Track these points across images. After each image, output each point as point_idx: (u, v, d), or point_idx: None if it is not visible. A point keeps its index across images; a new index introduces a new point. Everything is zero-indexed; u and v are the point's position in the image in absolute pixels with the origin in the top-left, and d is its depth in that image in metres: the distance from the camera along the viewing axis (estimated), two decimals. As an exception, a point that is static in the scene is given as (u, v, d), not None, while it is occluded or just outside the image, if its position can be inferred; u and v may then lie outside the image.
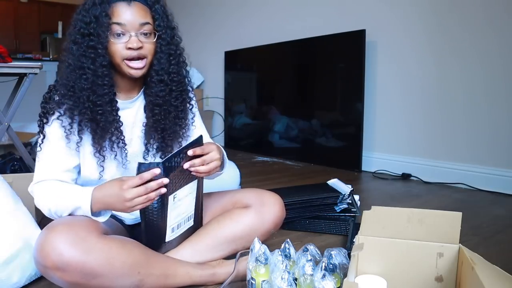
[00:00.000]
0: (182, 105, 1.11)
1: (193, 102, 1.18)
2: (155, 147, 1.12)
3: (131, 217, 1.16)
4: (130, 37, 0.97)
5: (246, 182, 2.09)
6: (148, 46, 1.00)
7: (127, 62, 0.99)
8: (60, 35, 6.58)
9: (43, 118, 1.02)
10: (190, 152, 0.96)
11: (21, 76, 2.27)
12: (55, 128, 1.01)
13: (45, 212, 0.99)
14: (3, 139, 2.54)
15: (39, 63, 2.23)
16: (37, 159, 1.04)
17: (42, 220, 1.62)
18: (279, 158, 3.32)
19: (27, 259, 1.06)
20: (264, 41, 3.50)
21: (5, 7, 6.32)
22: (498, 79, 2.22)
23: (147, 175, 0.88)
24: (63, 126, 1.00)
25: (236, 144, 3.88)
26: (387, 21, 2.68)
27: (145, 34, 1.00)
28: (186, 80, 1.13)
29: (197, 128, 1.21)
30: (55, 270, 0.86)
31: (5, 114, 2.10)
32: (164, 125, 1.09)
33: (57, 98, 1.01)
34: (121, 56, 0.99)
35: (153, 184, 0.89)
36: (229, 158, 2.25)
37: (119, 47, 0.98)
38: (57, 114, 1.00)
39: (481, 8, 2.25)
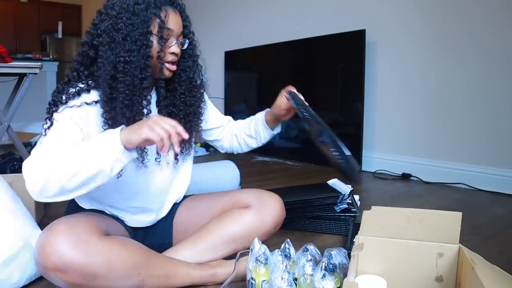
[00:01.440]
0: (200, 100, 1.18)
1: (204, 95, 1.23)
2: None
3: (135, 221, 1.16)
4: (173, 42, 1.02)
5: (246, 182, 2.09)
6: (179, 52, 1.07)
7: (167, 65, 1.03)
8: (60, 35, 6.58)
9: (53, 107, 0.98)
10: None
11: (21, 76, 2.27)
12: (68, 115, 0.97)
13: (44, 176, 0.84)
14: (3, 139, 2.54)
15: (39, 63, 2.23)
16: (38, 142, 0.95)
17: (42, 220, 1.62)
18: (279, 158, 3.32)
19: (27, 259, 1.06)
20: (264, 41, 3.50)
21: (5, 7, 6.32)
22: (497, 79, 2.22)
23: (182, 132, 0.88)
24: (80, 116, 0.97)
25: (236, 144, 3.88)
26: (387, 21, 2.68)
27: (181, 42, 1.06)
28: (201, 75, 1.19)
29: (214, 115, 1.32)
30: (55, 271, 0.86)
31: (5, 114, 2.10)
32: (191, 120, 1.15)
33: (73, 90, 0.98)
34: (163, 59, 1.02)
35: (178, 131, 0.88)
36: (229, 158, 2.26)
37: (163, 51, 1.01)
38: (72, 103, 0.97)
39: (481, 9, 2.25)
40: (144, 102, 1.02)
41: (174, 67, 1.05)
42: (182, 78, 1.11)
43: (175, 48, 1.03)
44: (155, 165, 1.12)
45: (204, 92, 1.24)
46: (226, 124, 1.38)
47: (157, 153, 1.11)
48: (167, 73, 1.05)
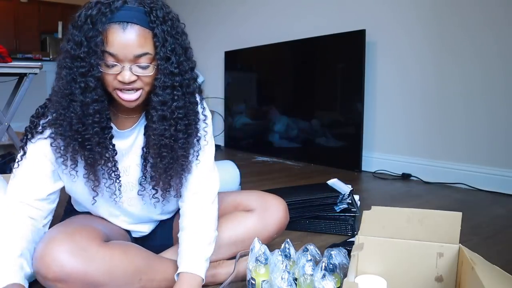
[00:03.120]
0: (187, 142, 0.96)
1: (200, 133, 1.01)
2: (152, 174, 0.99)
3: (139, 233, 1.15)
4: (122, 68, 0.84)
5: (246, 182, 2.09)
6: (145, 78, 0.87)
7: (118, 92, 0.88)
8: (60, 35, 6.57)
9: (28, 134, 0.92)
10: None
11: (21, 76, 2.27)
12: (40, 147, 0.91)
13: None
14: (3, 139, 2.54)
15: (39, 63, 2.23)
16: (12, 175, 0.93)
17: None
18: (279, 158, 3.32)
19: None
20: (264, 41, 3.50)
21: (5, 7, 6.32)
22: (497, 79, 2.22)
23: None
24: (54, 146, 0.91)
25: (236, 144, 3.88)
26: (387, 21, 2.68)
27: (142, 67, 0.86)
28: (198, 108, 0.98)
29: (201, 163, 1.04)
30: (56, 281, 0.84)
31: (5, 114, 2.10)
32: (172, 164, 0.96)
33: (50, 117, 0.90)
34: (112, 86, 0.87)
35: None
36: (229, 158, 2.25)
37: (110, 78, 0.86)
38: (47, 133, 0.91)
39: (480, 9, 2.25)
40: (87, 134, 0.88)
41: (127, 96, 0.87)
42: (152, 115, 0.91)
43: (122, 76, 0.84)
44: (139, 197, 1.05)
45: (203, 136, 1.03)
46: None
47: (140, 184, 1.02)
48: (124, 103, 0.89)
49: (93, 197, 0.98)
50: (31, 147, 0.92)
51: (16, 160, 0.93)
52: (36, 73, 2.15)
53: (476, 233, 1.57)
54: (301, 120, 3.26)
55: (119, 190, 1.00)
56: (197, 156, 1.02)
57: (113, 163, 0.95)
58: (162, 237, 1.19)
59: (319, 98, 3.15)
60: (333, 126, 3.03)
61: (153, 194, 1.02)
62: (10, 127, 2.10)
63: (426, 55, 2.50)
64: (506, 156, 2.20)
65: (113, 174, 0.96)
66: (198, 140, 1.00)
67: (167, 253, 1.11)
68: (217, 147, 3.88)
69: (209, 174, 1.07)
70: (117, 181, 0.98)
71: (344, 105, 2.96)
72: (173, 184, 1.00)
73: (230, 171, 1.91)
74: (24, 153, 0.92)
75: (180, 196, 1.06)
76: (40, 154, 0.92)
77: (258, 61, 3.70)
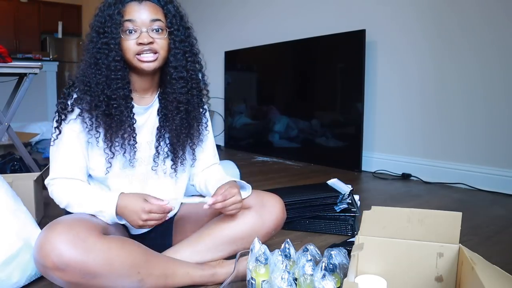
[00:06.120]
0: (199, 106, 1.14)
1: (206, 106, 1.20)
2: (165, 150, 1.13)
3: (138, 230, 1.16)
4: (141, 33, 1.00)
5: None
6: (160, 41, 1.03)
7: (138, 56, 1.02)
8: (60, 35, 6.58)
9: (62, 114, 1.03)
10: (210, 201, 1.03)
11: (21, 76, 2.27)
12: (73, 126, 1.03)
13: (62, 205, 1.04)
14: (3, 139, 2.54)
15: (39, 63, 2.23)
16: (52, 154, 1.06)
17: (42, 220, 1.62)
18: (279, 158, 3.32)
19: (27, 259, 1.06)
20: (264, 41, 3.50)
21: (5, 7, 6.32)
22: (496, 79, 2.22)
23: (168, 209, 0.99)
24: (85, 122, 1.03)
25: (236, 144, 3.88)
26: (387, 21, 2.68)
27: (157, 30, 1.02)
28: (202, 83, 1.14)
29: (210, 133, 1.24)
30: (54, 270, 0.86)
31: (5, 114, 2.10)
32: (188, 123, 1.11)
33: (76, 95, 1.03)
34: (133, 52, 1.01)
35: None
36: (229, 158, 2.25)
37: (131, 43, 1.01)
38: (77, 111, 1.03)
39: (480, 9, 2.25)
40: (112, 94, 1.01)
41: (147, 57, 1.02)
42: (171, 73, 1.07)
43: (142, 38, 1.00)
44: (151, 172, 1.13)
45: (206, 110, 1.21)
46: (204, 167, 1.26)
47: (154, 160, 1.13)
48: (144, 66, 1.02)
49: (106, 168, 1.06)
50: (66, 127, 1.04)
51: (52, 139, 1.05)
52: (36, 73, 2.14)
53: (476, 233, 1.57)
54: (301, 120, 3.26)
55: (134, 156, 1.08)
56: (206, 127, 1.20)
57: (133, 130, 1.06)
58: (162, 235, 1.20)
59: (319, 98, 3.15)
60: (333, 126, 3.03)
61: (171, 165, 1.14)
62: (10, 127, 2.10)
63: (426, 55, 2.50)
64: (506, 156, 2.20)
65: (131, 140, 1.06)
66: (204, 114, 1.18)
67: (168, 252, 1.11)
68: (217, 147, 3.88)
69: (215, 151, 1.30)
70: (134, 147, 1.07)
71: (344, 105, 2.96)
72: (188, 155, 1.16)
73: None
74: (60, 132, 1.04)
75: (194, 166, 1.22)
76: (76, 131, 1.04)
77: (258, 61, 3.70)
